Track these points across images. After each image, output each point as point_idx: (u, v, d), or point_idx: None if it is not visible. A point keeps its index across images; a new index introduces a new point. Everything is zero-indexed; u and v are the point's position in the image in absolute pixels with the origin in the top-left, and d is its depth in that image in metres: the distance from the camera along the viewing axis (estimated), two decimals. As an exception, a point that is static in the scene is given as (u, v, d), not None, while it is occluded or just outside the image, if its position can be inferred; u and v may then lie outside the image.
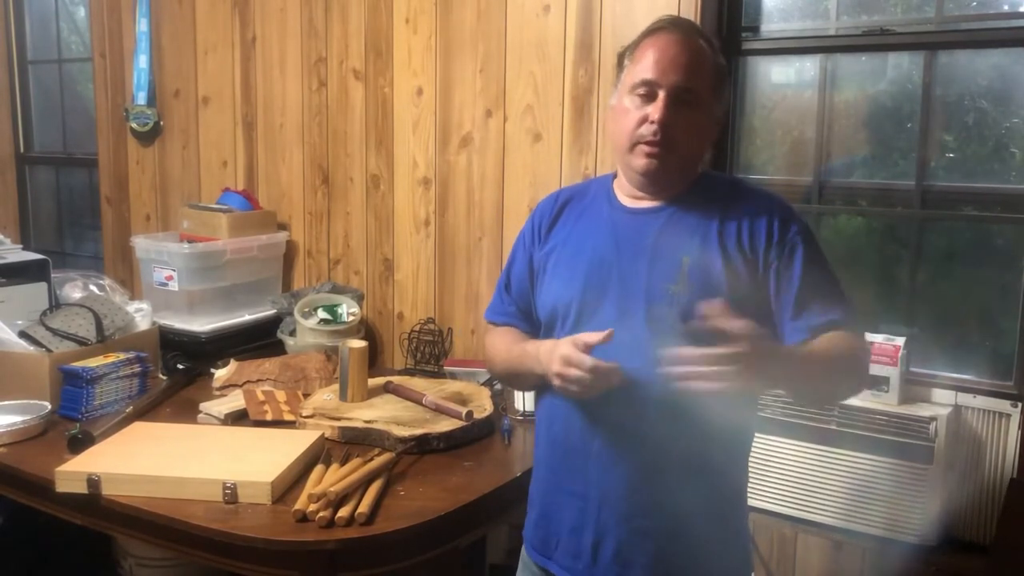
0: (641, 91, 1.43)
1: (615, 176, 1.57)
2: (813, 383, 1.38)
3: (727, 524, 1.50)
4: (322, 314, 2.70)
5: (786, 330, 1.40)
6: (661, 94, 1.41)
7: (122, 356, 2.35)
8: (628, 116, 1.44)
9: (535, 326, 1.60)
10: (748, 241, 1.42)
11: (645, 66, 1.43)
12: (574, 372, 1.35)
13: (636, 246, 1.45)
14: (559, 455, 1.50)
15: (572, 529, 1.48)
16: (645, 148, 1.43)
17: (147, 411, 2.28)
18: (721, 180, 1.58)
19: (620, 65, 1.50)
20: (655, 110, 1.41)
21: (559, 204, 1.59)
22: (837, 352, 1.37)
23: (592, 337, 1.34)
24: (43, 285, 2.74)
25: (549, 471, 1.54)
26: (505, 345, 1.60)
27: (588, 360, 1.34)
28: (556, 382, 1.38)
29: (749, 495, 2.26)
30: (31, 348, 2.33)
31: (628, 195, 1.52)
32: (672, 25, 1.47)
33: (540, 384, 1.52)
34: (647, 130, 1.42)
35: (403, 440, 1.98)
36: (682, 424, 1.38)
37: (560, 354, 1.37)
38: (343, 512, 1.65)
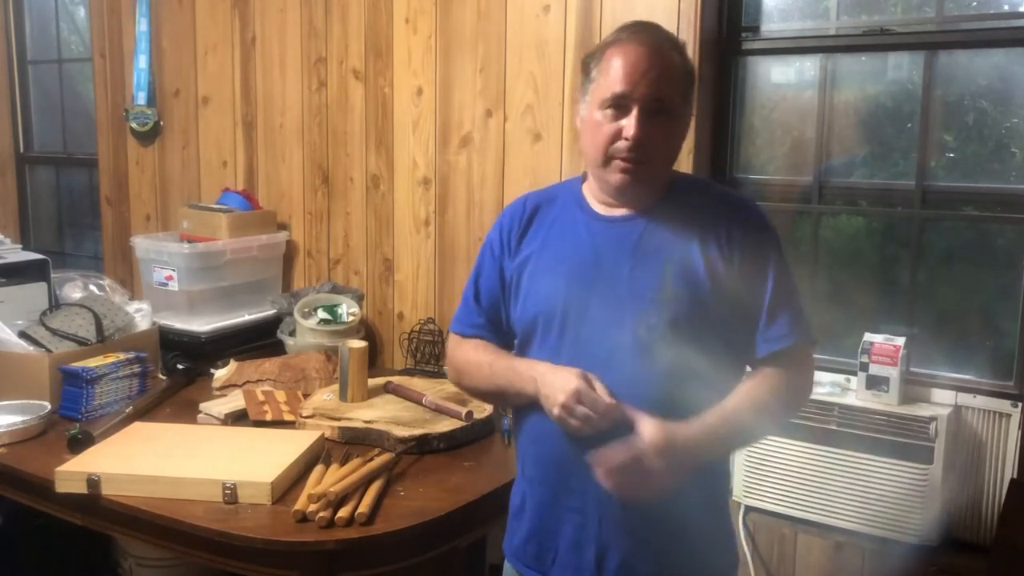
0: (613, 105, 1.40)
1: (583, 180, 1.54)
2: (739, 438, 1.50)
3: (720, 521, 1.52)
4: (322, 314, 2.70)
5: (758, 339, 1.42)
6: (634, 108, 1.38)
7: (122, 356, 2.35)
8: (601, 130, 1.41)
9: (505, 338, 1.56)
10: (727, 249, 1.41)
11: (615, 79, 1.39)
12: (582, 410, 1.33)
13: (617, 255, 1.43)
14: (553, 472, 1.46)
15: (572, 544, 1.45)
16: (620, 164, 1.41)
17: (147, 411, 2.28)
18: (693, 184, 1.58)
19: (586, 73, 1.45)
20: (629, 126, 1.38)
21: (528, 212, 1.54)
22: (768, 398, 1.41)
23: (602, 388, 1.34)
24: (43, 285, 2.75)
25: (542, 487, 1.48)
26: (484, 359, 1.53)
27: (603, 401, 1.32)
28: (556, 413, 1.35)
29: (749, 495, 2.28)
30: (31, 348, 2.33)
31: (601, 202, 1.49)
32: (639, 32, 1.42)
33: (524, 403, 1.46)
34: (622, 146, 1.39)
35: (403, 440, 1.98)
36: None
37: (571, 389, 1.33)
38: (343, 512, 1.65)
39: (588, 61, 1.46)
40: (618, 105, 1.39)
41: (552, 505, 1.47)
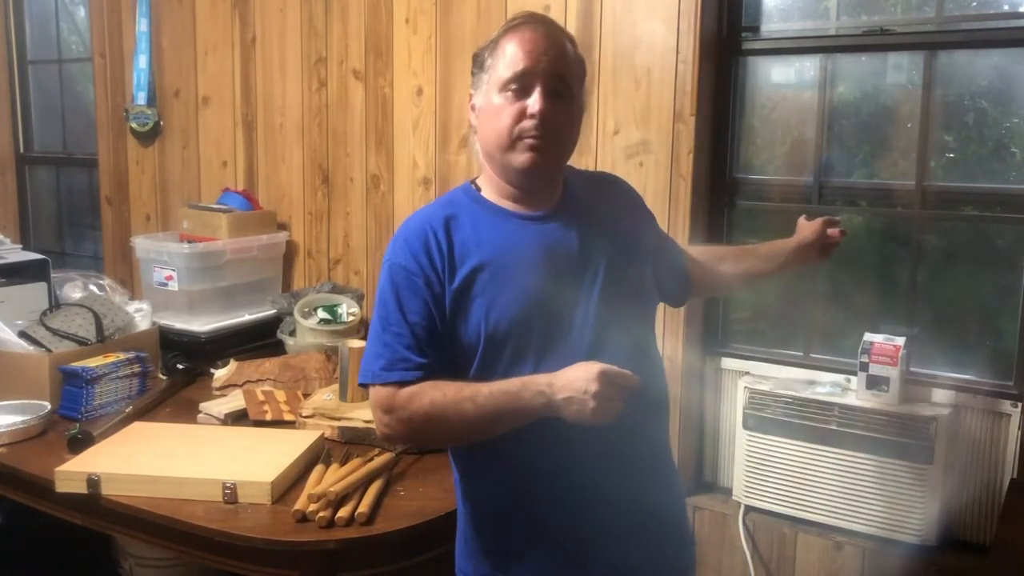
0: (514, 86, 1.37)
1: (476, 189, 1.47)
2: None
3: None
4: (322, 314, 2.70)
5: (681, 258, 1.66)
6: (537, 85, 1.36)
7: (122, 356, 2.35)
8: (503, 114, 1.37)
9: (450, 372, 1.37)
10: (635, 220, 1.56)
11: (514, 60, 1.37)
12: (616, 389, 1.28)
13: (568, 251, 1.41)
14: (575, 478, 1.39)
15: (615, 538, 1.42)
16: (528, 142, 1.37)
17: (147, 411, 2.28)
18: (572, 172, 1.56)
19: (480, 66, 1.43)
20: (535, 102, 1.36)
21: (442, 232, 1.39)
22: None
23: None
24: (43, 285, 2.75)
25: (560, 504, 1.40)
26: (461, 395, 1.32)
27: (626, 372, 1.29)
28: (593, 405, 1.26)
29: (749, 495, 2.28)
30: (31, 348, 2.33)
31: (513, 202, 1.44)
32: (533, 20, 1.42)
33: (514, 428, 1.34)
34: (528, 124, 1.36)
35: (403, 440, 1.98)
36: (661, 416, 1.53)
37: (596, 372, 1.27)
38: (343, 512, 1.65)
39: (480, 54, 1.44)
40: (520, 86, 1.37)
41: (582, 513, 1.40)
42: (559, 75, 1.38)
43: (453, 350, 1.38)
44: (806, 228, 1.78)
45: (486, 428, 1.35)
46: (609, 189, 1.58)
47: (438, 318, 1.37)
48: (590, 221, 1.45)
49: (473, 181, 1.50)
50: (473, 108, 1.45)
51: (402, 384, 1.35)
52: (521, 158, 1.38)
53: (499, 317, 1.35)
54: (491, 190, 1.46)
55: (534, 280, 1.37)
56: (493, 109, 1.39)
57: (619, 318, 1.42)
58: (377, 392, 1.37)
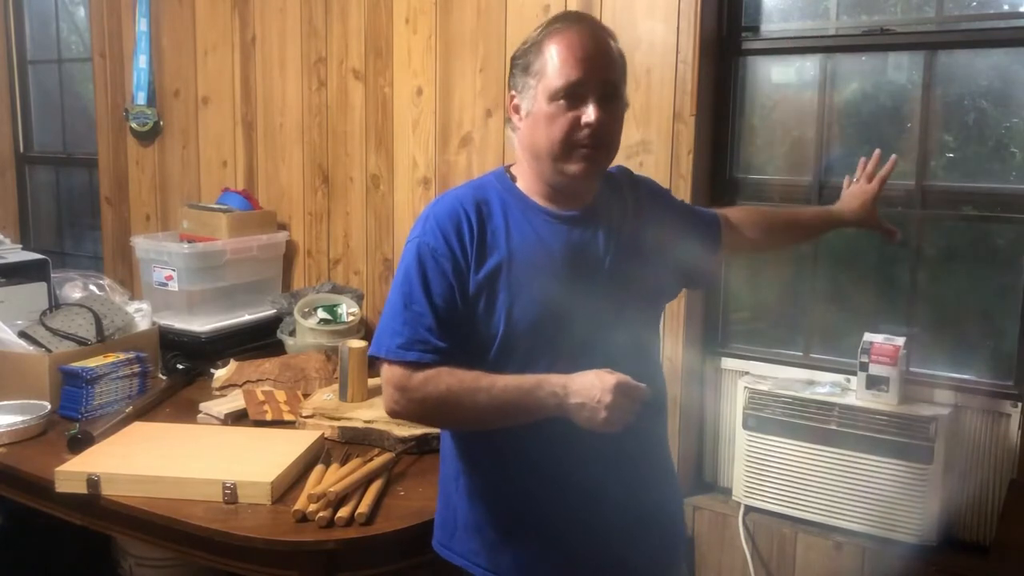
0: (566, 95, 1.36)
1: (510, 178, 1.48)
2: None
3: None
4: (322, 314, 2.70)
5: (713, 226, 1.64)
6: (590, 95, 1.36)
7: (122, 356, 2.35)
8: (557, 122, 1.37)
9: (465, 360, 1.37)
10: (655, 219, 1.54)
11: (566, 68, 1.36)
12: (629, 404, 1.31)
13: (594, 256, 1.43)
14: (574, 478, 1.42)
15: (601, 537, 1.45)
16: (583, 152, 1.38)
17: (147, 411, 2.28)
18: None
19: (525, 70, 1.41)
20: (590, 113, 1.35)
21: (475, 217, 1.41)
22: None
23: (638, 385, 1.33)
24: (43, 285, 2.75)
25: (560, 495, 1.43)
26: (477, 384, 1.34)
27: (645, 390, 1.32)
28: (604, 415, 1.29)
29: (749, 495, 2.28)
30: (31, 348, 2.33)
31: (546, 199, 1.45)
32: (576, 21, 1.41)
33: (522, 424, 1.37)
34: (584, 134, 1.36)
35: (403, 440, 1.98)
36: (661, 417, 1.56)
37: (613, 383, 1.30)
38: (343, 512, 1.66)
39: (523, 56, 1.42)
40: (572, 94, 1.36)
41: (578, 508, 1.43)
42: (611, 83, 1.39)
43: (470, 336, 1.39)
44: (860, 207, 1.86)
45: (496, 419, 1.37)
46: (631, 189, 1.55)
47: (460, 301, 1.38)
48: (614, 225, 1.46)
49: (508, 168, 1.50)
50: (516, 109, 1.44)
51: (418, 365, 1.36)
52: (575, 168, 1.39)
53: (520, 315, 1.38)
54: (526, 183, 1.47)
55: (558, 283, 1.39)
56: (545, 117, 1.38)
57: (630, 323, 1.44)
58: (392, 369, 1.38)
